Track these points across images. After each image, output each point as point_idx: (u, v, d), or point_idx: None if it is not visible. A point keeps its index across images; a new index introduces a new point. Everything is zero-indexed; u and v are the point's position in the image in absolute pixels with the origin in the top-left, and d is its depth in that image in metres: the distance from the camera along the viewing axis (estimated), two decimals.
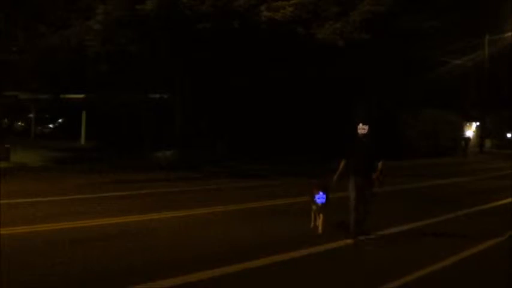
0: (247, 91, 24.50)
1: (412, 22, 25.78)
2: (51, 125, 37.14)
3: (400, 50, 26.89)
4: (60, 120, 37.15)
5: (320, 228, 8.13)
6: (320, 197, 8.06)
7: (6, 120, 31.79)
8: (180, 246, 7.56)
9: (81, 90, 27.91)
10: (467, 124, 46.82)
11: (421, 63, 30.64)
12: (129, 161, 20.39)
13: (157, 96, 26.36)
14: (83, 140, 30.70)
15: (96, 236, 7.97)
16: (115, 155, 21.96)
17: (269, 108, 25.58)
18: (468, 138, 41.22)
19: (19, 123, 38.09)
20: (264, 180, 17.61)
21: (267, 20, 19.60)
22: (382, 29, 22.90)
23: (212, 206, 11.19)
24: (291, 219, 9.97)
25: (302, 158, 24.34)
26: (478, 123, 47.07)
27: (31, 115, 34.58)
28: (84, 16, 20.32)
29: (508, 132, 51.64)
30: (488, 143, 47.85)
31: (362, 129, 8.12)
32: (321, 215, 8.16)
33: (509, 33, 39.52)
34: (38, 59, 22.99)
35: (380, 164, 8.15)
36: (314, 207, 8.27)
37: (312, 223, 8.40)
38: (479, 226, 10.10)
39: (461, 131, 42.38)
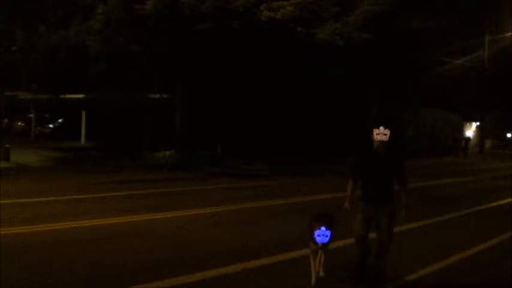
0: (247, 91, 24.50)
1: (412, 22, 25.80)
2: (51, 125, 37.09)
3: (400, 50, 26.89)
4: (60, 120, 37.11)
5: (321, 270, 5.85)
6: (321, 234, 5.64)
7: (6, 120, 31.76)
8: (180, 247, 7.56)
9: (81, 90, 27.91)
10: (467, 124, 46.82)
11: (420, 63, 30.64)
12: (129, 161, 20.40)
13: (157, 96, 26.37)
14: (83, 140, 30.69)
15: (96, 236, 7.97)
16: (115, 155, 21.97)
17: (269, 108, 25.59)
18: (468, 138, 41.23)
19: (19, 123, 38.04)
20: (264, 180, 17.61)
21: (267, 20, 19.59)
22: (382, 29, 22.89)
23: (212, 206, 11.19)
24: (292, 219, 9.97)
25: (302, 158, 24.34)
26: (478, 123, 47.06)
27: (31, 115, 34.56)
28: (84, 16, 20.31)
29: (508, 132, 51.63)
30: (488, 143, 47.84)
31: (382, 134, 5.68)
32: (322, 256, 5.85)
33: (509, 33, 39.54)
34: (38, 59, 22.99)
35: (404, 191, 5.94)
36: (313, 246, 5.78)
37: (312, 266, 5.85)
38: (479, 226, 10.10)
39: (461, 131, 42.40)
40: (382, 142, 5.72)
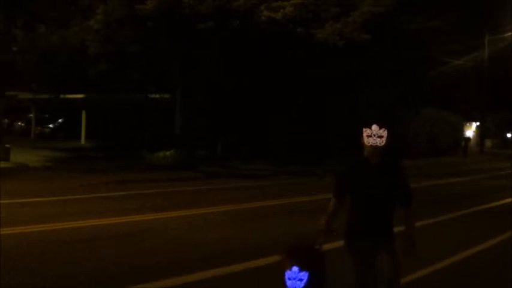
0: (247, 91, 24.50)
1: (412, 22, 25.80)
2: (51, 125, 37.14)
3: (399, 50, 26.89)
4: (60, 120, 37.16)
5: None
6: (292, 277, 3.66)
7: (6, 120, 31.79)
8: (180, 247, 7.55)
9: (81, 90, 27.93)
10: (467, 124, 46.85)
11: (421, 63, 30.64)
12: (129, 161, 20.40)
13: (157, 96, 26.37)
14: (83, 140, 30.70)
15: (96, 236, 7.97)
16: (115, 155, 21.97)
17: (269, 108, 25.58)
18: (468, 138, 41.26)
19: (19, 123, 38.08)
20: (264, 180, 17.61)
21: (267, 20, 19.61)
22: (382, 29, 22.91)
23: (212, 206, 11.20)
24: (292, 219, 9.97)
25: (302, 158, 24.34)
26: (478, 123, 47.09)
27: (31, 115, 34.60)
28: (84, 16, 20.34)
29: (508, 132, 51.65)
30: (488, 143, 47.86)
31: (376, 137, 3.87)
32: None
33: (509, 33, 39.56)
34: (38, 59, 23.02)
35: (409, 218, 4.23)
36: None
37: None
38: (479, 226, 10.10)
39: (461, 131, 42.43)
40: (376, 148, 3.85)
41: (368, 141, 3.88)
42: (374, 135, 3.88)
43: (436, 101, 35.19)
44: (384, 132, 3.88)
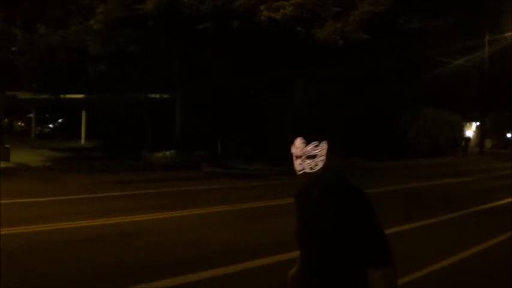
0: (248, 91, 24.51)
1: (412, 22, 25.81)
2: (51, 125, 37.18)
3: (400, 50, 26.90)
4: (60, 120, 37.19)
5: None
6: None
7: (6, 120, 31.79)
8: (180, 246, 7.56)
9: (81, 90, 27.96)
10: (467, 124, 46.89)
11: (421, 63, 30.65)
12: (129, 161, 20.42)
13: (157, 96, 26.39)
14: (83, 140, 30.74)
15: (96, 236, 7.97)
16: (115, 155, 21.99)
17: (269, 108, 25.60)
18: (468, 138, 41.29)
19: (19, 123, 38.14)
20: (265, 180, 17.61)
21: (267, 20, 19.62)
22: (382, 28, 22.91)
23: (212, 206, 11.20)
24: (292, 219, 9.96)
25: None
26: (478, 123, 47.13)
27: (31, 115, 34.64)
28: (84, 16, 20.34)
29: (508, 132, 51.68)
30: (488, 143, 47.90)
31: (305, 157, 2.34)
32: None
33: (509, 33, 39.59)
34: (38, 59, 23.03)
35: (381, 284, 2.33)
36: None
37: None
38: (479, 226, 10.10)
39: (461, 131, 42.46)
40: (307, 177, 2.45)
41: (295, 163, 2.41)
42: (300, 156, 2.36)
43: (436, 101, 35.21)
44: (316, 149, 2.30)
